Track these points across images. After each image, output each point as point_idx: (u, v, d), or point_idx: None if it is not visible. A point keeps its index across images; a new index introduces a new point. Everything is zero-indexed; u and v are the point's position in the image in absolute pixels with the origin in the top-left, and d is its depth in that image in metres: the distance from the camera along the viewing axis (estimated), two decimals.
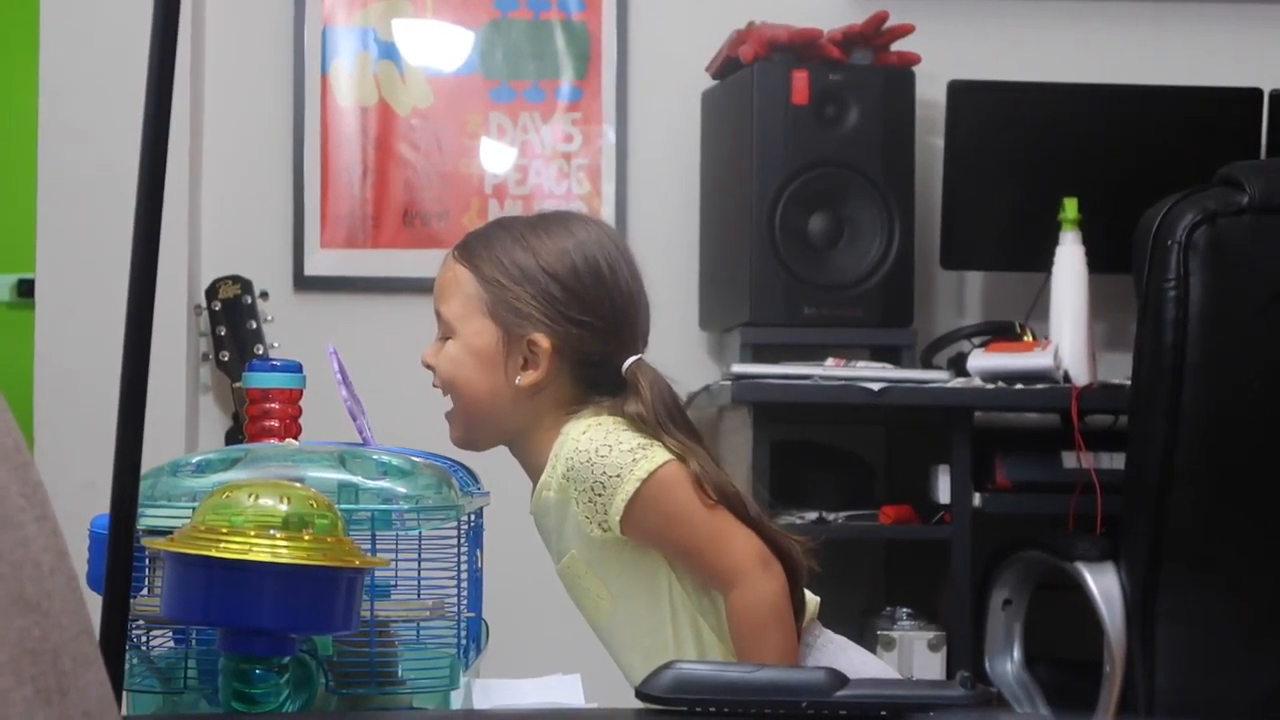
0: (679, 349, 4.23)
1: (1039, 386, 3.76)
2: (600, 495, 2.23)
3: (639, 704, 1.46)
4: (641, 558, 2.30)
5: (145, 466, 1.47)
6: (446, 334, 2.36)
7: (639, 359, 2.39)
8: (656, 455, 2.26)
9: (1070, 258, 3.91)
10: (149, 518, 1.58)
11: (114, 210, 3.84)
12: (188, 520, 1.54)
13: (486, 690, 1.93)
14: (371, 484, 1.70)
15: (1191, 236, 2.74)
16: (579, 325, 2.33)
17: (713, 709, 1.43)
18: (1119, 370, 3.68)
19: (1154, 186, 2.96)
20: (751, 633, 2.27)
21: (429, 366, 2.39)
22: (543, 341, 2.30)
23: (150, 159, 1.44)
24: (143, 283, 1.43)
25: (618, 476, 2.22)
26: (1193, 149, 3.86)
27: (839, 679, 1.45)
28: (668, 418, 2.31)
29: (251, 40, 4.23)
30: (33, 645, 0.94)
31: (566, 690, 2.00)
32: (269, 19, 4.22)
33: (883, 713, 1.42)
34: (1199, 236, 2.74)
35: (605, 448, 2.24)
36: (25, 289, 5.14)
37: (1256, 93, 4.08)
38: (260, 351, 3.96)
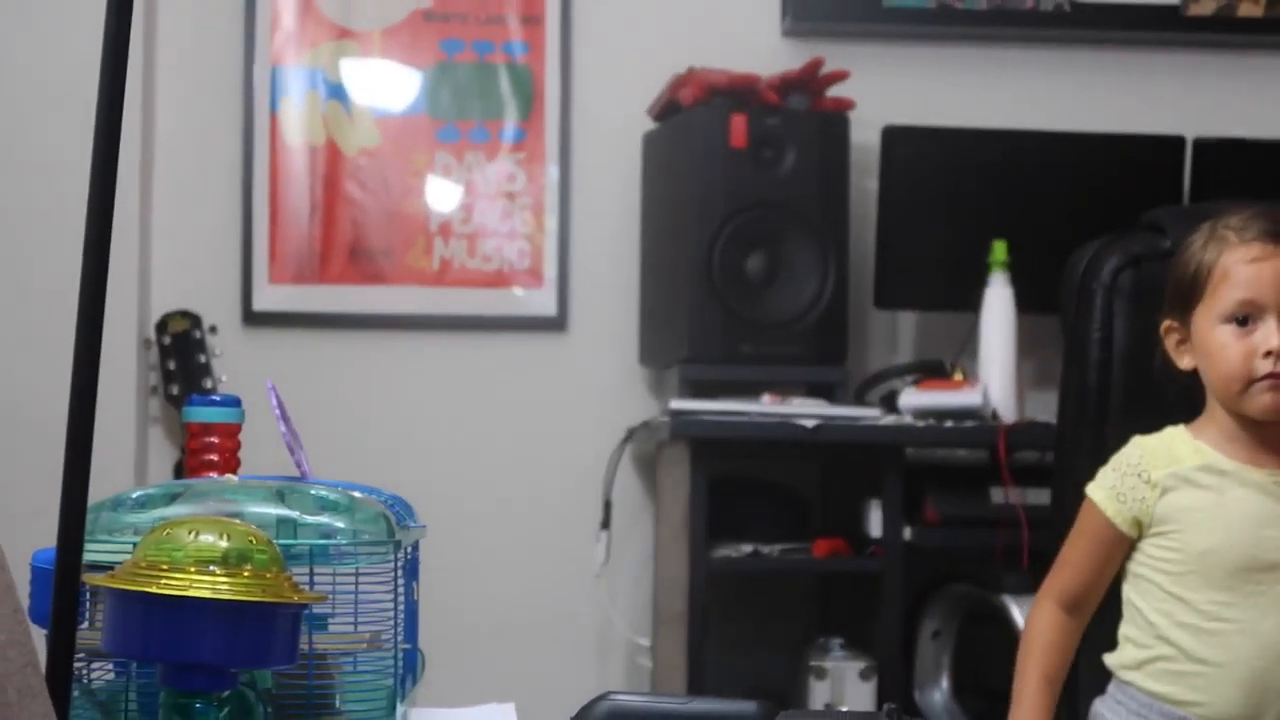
0: (619, 384, 4.23)
1: (968, 424, 3.78)
2: None
3: None
4: None
5: (93, 498, 1.45)
6: None
7: None
8: None
9: (999, 299, 3.93)
10: (91, 552, 1.56)
11: (64, 244, 3.81)
12: (129, 556, 1.53)
13: (422, 719, 1.92)
14: (310, 519, 1.69)
15: (1116, 280, 2.75)
16: None
17: None
18: (1046, 408, 3.69)
19: (1080, 230, 2.97)
20: None
21: None
22: None
23: (98, 194, 1.43)
24: (90, 316, 1.42)
25: None
26: (1118, 194, 3.89)
27: (770, 711, 1.44)
28: None
29: (202, 79, 4.22)
30: None
31: (501, 719, 2.00)
32: (219, 58, 4.21)
33: None
34: (1123, 280, 2.75)
35: None
36: None
37: (1180, 140, 4.11)
38: (209, 385, 3.94)
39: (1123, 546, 2.46)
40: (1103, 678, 2.51)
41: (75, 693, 1.61)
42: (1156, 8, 4.31)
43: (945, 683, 3.89)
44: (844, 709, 3.61)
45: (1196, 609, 2.40)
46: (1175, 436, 2.46)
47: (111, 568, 1.54)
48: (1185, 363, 2.45)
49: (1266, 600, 2.37)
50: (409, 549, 1.88)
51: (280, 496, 1.71)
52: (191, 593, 1.45)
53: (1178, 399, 2.57)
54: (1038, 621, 2.55)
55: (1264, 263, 2.38)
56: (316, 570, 1.66)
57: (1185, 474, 2.42)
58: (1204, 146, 4.12)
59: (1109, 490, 2.47)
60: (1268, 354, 2.35)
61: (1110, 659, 2.49)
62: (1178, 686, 2.41)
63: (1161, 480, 2.43)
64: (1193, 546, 2.40)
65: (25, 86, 4.07)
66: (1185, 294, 2.43)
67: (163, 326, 4.03)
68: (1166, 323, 2.47)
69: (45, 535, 1.58)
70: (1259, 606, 2.38)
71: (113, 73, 1.41)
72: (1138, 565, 2.45)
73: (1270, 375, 2.35)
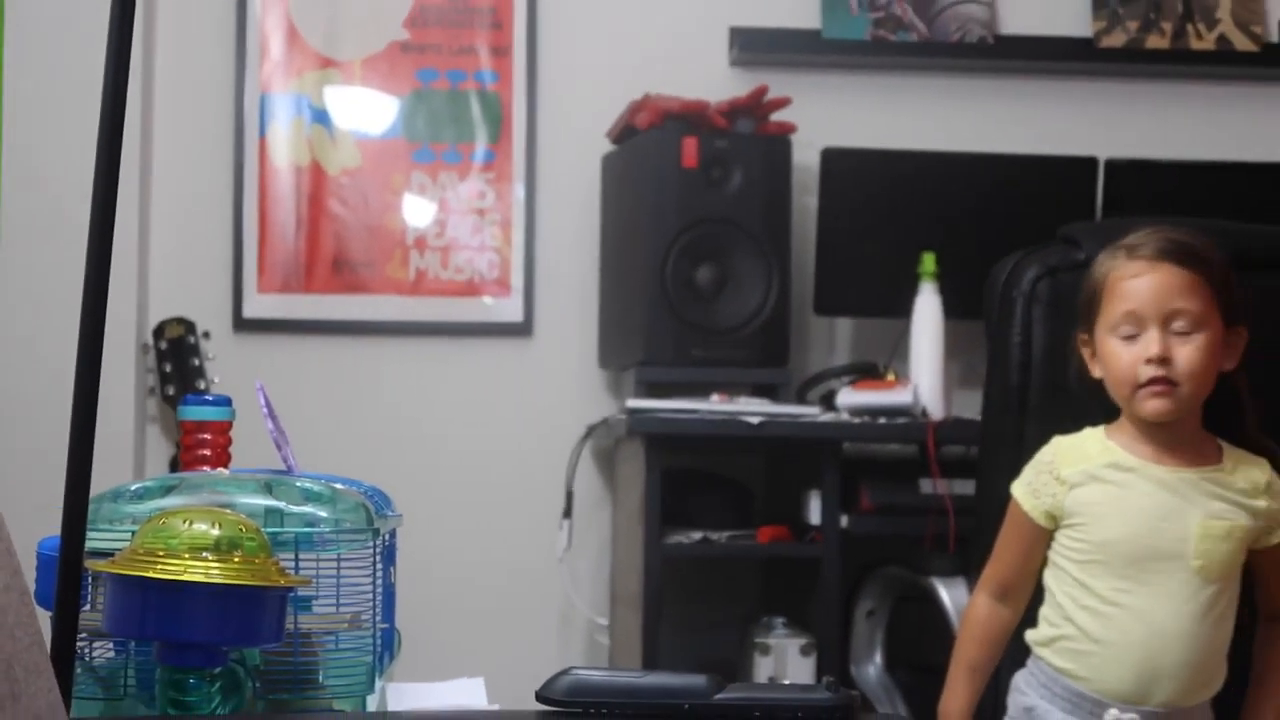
0: (580, 385, 4.23)
1: (900, 420, 3.79)
2: None
3: (539, 706, 1.45)
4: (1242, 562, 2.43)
5: (95, 491, 1.45)
6: (1186, 329, 2.37)
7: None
8: None
9: (928, 306, 3.94)
10: (92, 540, 1.55)
11: (69, 254, 3.80)
12: (128, 543, 1.52)
13: (399, 693, 1.91)
14: (295, 509, 1.69)
15: (1035, 289, 2.75)
16: (1244, 320, 2.43)
17: (604, 710, 1.42)
18: (971, 406, 3.70)
19: (1002, 243, 2.98)
20: None
21: (1160, 359, 2.37)
22: (1244, 332, 2.40)
23: (100, 210, 1.42)
24: (93, 322, 1.42)
25: None
26: (1036, 210, 3.90)
27: (718, 684, 1.45)
28: (1261, 406, 2.46)
29: (196, 105, 4.20)
30: None
31: (471, 693, 1.99)
32: (212, 86, 4.20)
33: (756, 714, 1.42)
34: (1041, 289, 2.75)
35: None
36: None
37: (1093, 161, 4.13)
38: (202, 386, 3.93)
39: (1042, 538, 2.47)
40: (1027, 652, 2.52)
41: (78, 670, 1.60)
42: (1072, 40, 4.34)
43: (879, 658, 3.89)
44: (786, 682, 3.61)
45: (1097, 594, 2.41)
46: (1089, 436, 2.47)
47: (112, 554, 1.54)
48: (1096, 372, 2.47)
49: (1161, 588, 2.38)
50: (387, 536, 1.88)
51: (268, 488, 1.71)
52: (186, 577, 1.45)
53: (1091, 399, 2.58)
54: (969, 612, 2.59)
55: (1143, 278, 2.40)
56: (301, 556, 1.66)
57: (1093, 470, 2.43)
58: (1115, 166, 4.14)
59: (1026, 486, 2.49)
60: (1149, 361, 2.37)
61: (1029, 635, 2.50)
62: (1078, 664, 2.42)
63: (1070, 477, 2.44)
64: (1096, 536, 2.41)
65: (35, 113, 4.05)
66: (1089, 309, 2.46)
67: (159, 332, 4.01)
68: (1080, 336, 2.49)
69: (50, 525, 1.57)
70: (1154, 594, 2.38)
71: (113, 99, 1.41)
72: (1054, 553, 2.47)
73: (1151, 381, 2.37)
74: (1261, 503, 2.40)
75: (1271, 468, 2.42)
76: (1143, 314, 2.38)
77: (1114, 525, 2.40)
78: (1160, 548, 2.38)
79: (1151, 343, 2.36)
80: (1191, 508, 2.39)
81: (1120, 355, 2.40)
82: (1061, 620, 2.45)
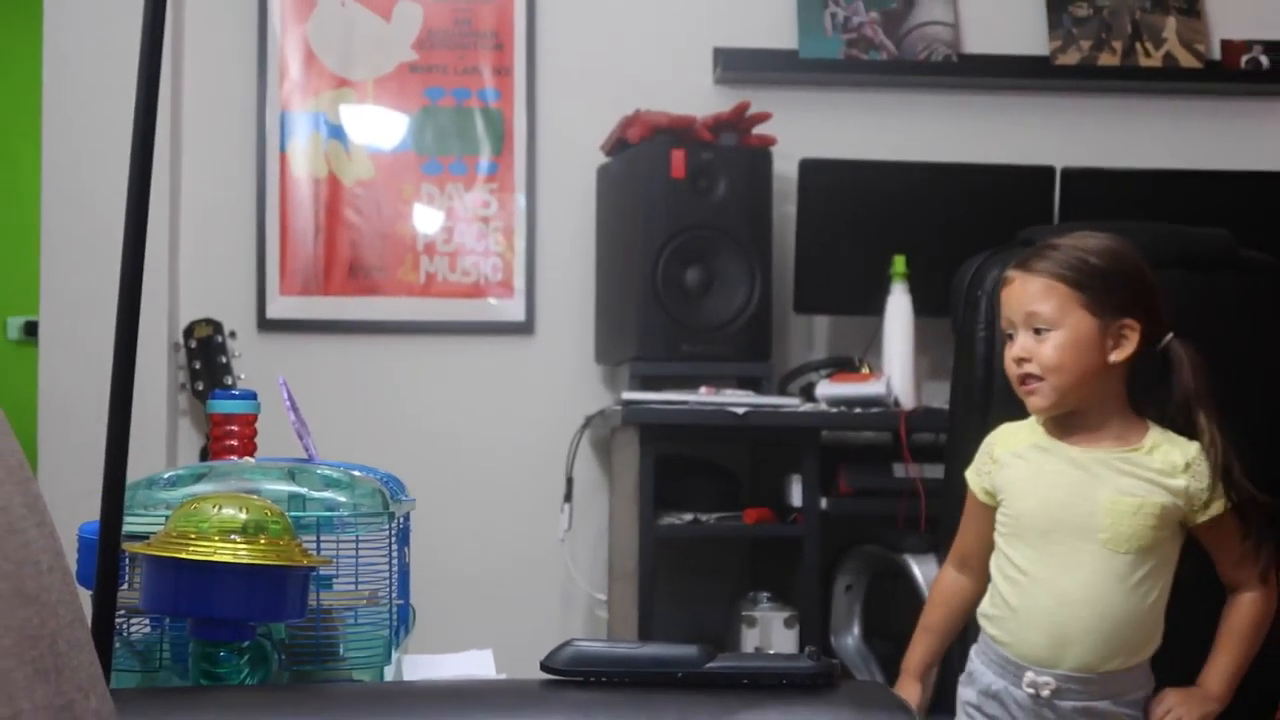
0: (578, 379, 4.23)
1: (874, 410, 3.79)
2: (1209, 492, 2.38)
3: (543, 675, 1.45)
4: (1172, 545, 2.42)
5: (130, 478, 1.45)
6: (1042, 328, 2.39)
7: (1174, 336, 2.44)
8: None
9: (899, 304, 3.94)
10: (129, 524, 1.55)
11: (106, 262, 3.79)
12: (162, 527, 1.52)
13: (414, 664, 1.91)
14: (317, 494, 1.68)
15: (997, 288, 2.75)
16: (1149, 310, 2.41)
17: (604, 679, 1.42)
18: (939, 396, 3.71)
19: (967, 246, 2.98)
20: (1254, 631, 2.47)
21: (1022, 360, 2.41)
22: (1133, 324, 2.38)
23: (134, 220, 1.42)
24: (128, 324, 1.41)
25: (1223, 489, 2.38)
26: (998, 216, 3.89)
27: (709, 654, 1.44)
28: (1199, 402, 2.41)
29: (222, 122, 4.20)
30: (32, 632, 0.93)
31: (481, 663, 1.99)
32: (237, 104, 4.20)
33: (744, 681, 1.42)
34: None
35: (1213, 469, 2.38)
36: (30, 329, 5.08)
37: (1050, 170, 4.13)
38: (229, 382, 3.92)
39: (988, 513, 2.49)
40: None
41: (116, 644, 1.60)
42: (1030, 58, 4.33)
43: (857, 629, 3.89)
44: (771, 651, 3.61)
45: (1015, 564, 2.42)
46: (1026, 423, 2.50)
47: (147, 537, 1.53)
48: None
49: (1068, 559, 2.38)
50: (401, 519, 1.87)
51: (291, 476, 1.71)
52: (216, 558, 1.45)
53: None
54: (934, 581, 2.67)
55: (1009, 287, 2.46)
56: (323, 538, 1.65)
57: (1019, 451, 2.46)
58: (1070, 175, 4.13)
59: (972, 467, 2.53)
60: (1015, 360, 2.42)
61: (978, 608, 2.52)
62: (1000, 629, 2.44)
63: (1001, 456, 2.48)
64: (1013, 510, 2.43)
65: (74, 132, 4.04)
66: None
67: (189, 332, 4.01)
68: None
69: (90, 510, 1.57)
70: (1061, 564, 2.39)
71: (145, 115, 1.40)
72: (995, 529, 2.49)
73: (1022, 379, 2.42)
74: (1180, 481, 2.38)
75: (1203, 448, 2.40)
76: (1012, 319, 2.44)
77: (1028, 499, 2.43)
78: (1068, 521, 2.39)
79: (1015, 345, 2.43)
80: (1100, 484, 2.39)
81: (1006, 357, 2.46)
82: (993, 590, 2.47)
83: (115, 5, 4.00)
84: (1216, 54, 4.39)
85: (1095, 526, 2.38)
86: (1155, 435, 2.43)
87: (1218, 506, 2.39)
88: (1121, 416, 2.44)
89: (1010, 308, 2.45)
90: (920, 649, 2.62)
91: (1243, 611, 2.46)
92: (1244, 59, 4.36)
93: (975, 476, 2.51)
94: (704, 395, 3.79)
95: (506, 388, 4.25)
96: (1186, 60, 4.35)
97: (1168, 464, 2.40)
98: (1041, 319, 2.40)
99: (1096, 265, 2.41)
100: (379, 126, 4.24)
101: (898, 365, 3.90)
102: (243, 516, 1.49)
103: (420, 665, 1.91)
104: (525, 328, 4.25)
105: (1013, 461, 2.46)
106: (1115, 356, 2.40)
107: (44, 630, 0.93)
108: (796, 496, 3.77)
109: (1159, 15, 4.37)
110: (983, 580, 2.53)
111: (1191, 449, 2.41)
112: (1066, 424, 2.45)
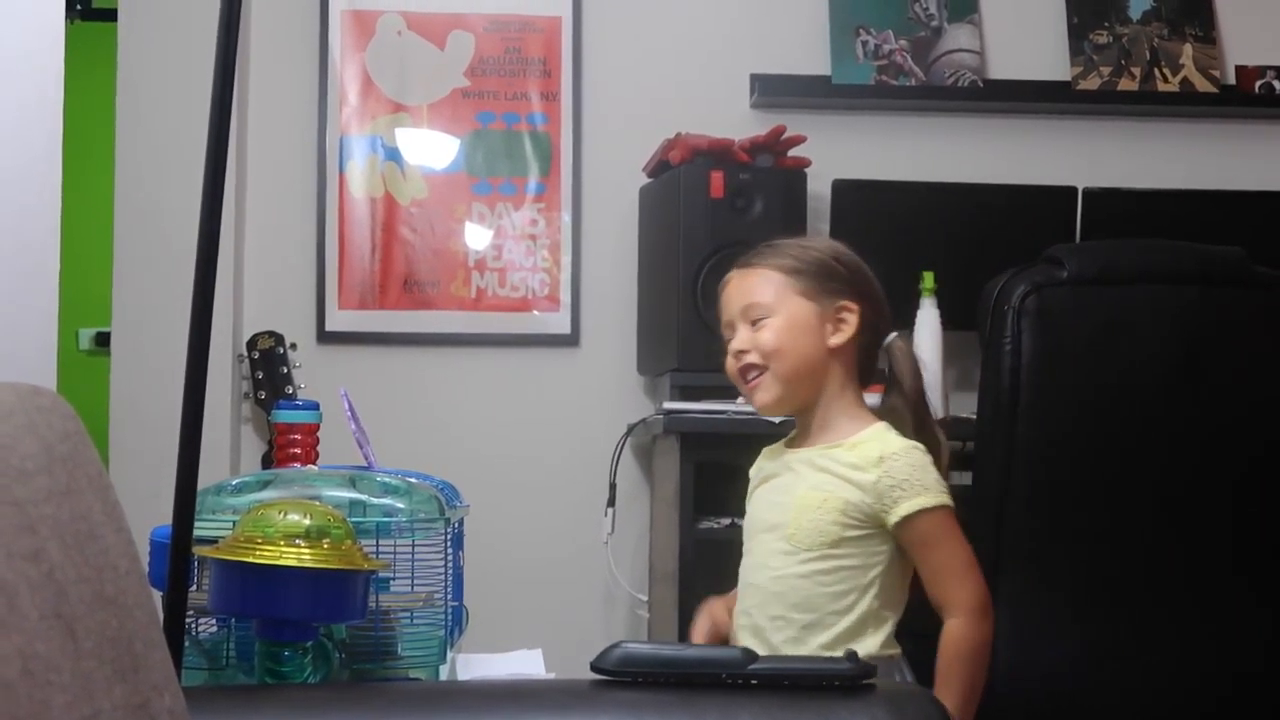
0: (621, 389, 4.22)
1: None
2: (903, 489, 2.20)
3: (593, 676, 1.44)
4: (873, 543, 2.24)
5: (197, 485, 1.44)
6: (758, 318, 2.31)
7: (899, 334, 2.37)
8: (951, 499, 2.23)
9: (928, 318, 3.91)
10: (198, 529, 1.55)
11: (176, 275, 3.81)
12: (229, 531, 1.52)
13: (467, 663, 1.91)
14: (376, 501, 1.68)
15: (1023, 303, 2.74)
16: (867, 298, 2.33)
17: (652, 679, 1.41)
18: (966, 406, 3.68)
19: (993, 263, 2.96)
20: (955, 662, 2.21)
21: (743, 351, 2.32)
22: (852, 305, 2.29)
23: (206, 237, 1.42)
24: (200, 335, 1.41)
25: (925, 488, 2.20)
26: (1023, 234, 3.87)
27: (752, 656, 1.43)
28: (919, 399, 2.32)
29: (285, 146, 4.21)
30: (112, 634, 0.93)
31: (531, 663, 1.99)
32: (298, 129, 4.21)
33: (785, 682, 1.41)
34: (1029, 303, 2.74)
35: (924, 467, 2.22)
36: (103, 340, 5.10)
37: (1072, 190, 4.11)
38: (290, 392, 3.93)
39: None
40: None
41: (185, 644, 1.60)
42: (1052, 83, 4.31)
43: None
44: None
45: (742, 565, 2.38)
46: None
47: (215, 541, 1.53)
48: None
49: (761, 556, 2.32)
50: (456, 524, 1.87)
51: (352, 482, 1.71)
52: (281, 562, 1.44)
53: (1072, 398, 2.56)
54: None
55: (726, 289, 2.40)
56: (381, 542, 1.65)
57: (757, 466, 2.42)
58: (1091, 195, 4.11)
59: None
60: (735, 354, 2.35)
61: None
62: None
63: (752, 478, 2.43)
64: (745, 522, 2.40)
65: (144, 151, 4.06)
66: None
67: (252, 344, 4.01)
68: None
69: (156, 513, 1.57)
70: (757, 560, 2.33)
71: (216, 140, 1.40)
72: None
73: (741, 373, 2.35)
74: (869, 475, 2.22)
75: (916, 447, 2.26)
76: (731, 319, 2.36)
77: (750, 507, 2.39)
78: (769, 519, 2.31)
79: (735, 339, 2.34)
80: (799, 482, 2.29)
81: (727, 358, 2.37)
82: None
83: (186, 30, 4.02)
84: (1231, 79, 4.36)
85: (787, 522, 2.27)
86: (870, 431, 2.30)
87: (908, 507, 2.20)
88: (849, 416, 2.33)
89: (728, 307, 2.36)
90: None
91: (944, 643, 2.24)
92: (1258, 84, 4.33)
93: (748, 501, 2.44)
94: (741, 405, 3.77)
95: (552, 398, 4.24)
96: (1202, 85, 4.32)
97: (862, 458, 2.25)
98: (759, 308, 2.31)
99: (813, 254, 2.33)
100: (433, 149, 4.24)
101: (926, 376, 3.86)
102: (307, 522, 1.49)
103: (473, 664, 1.90)
104: (570, 340, 4.25)
105: (753, 479, 2.40)
106: (835, 340, 2.30)
107: (122, 632, 0.93)
108: None
109: (1176, 42, 4.34)
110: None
111: (895, 444, 2.26)
112: (801, 429, 2.36)
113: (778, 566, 2.28)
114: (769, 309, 2.31)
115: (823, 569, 2.24)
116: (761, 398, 2.32)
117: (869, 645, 2.23)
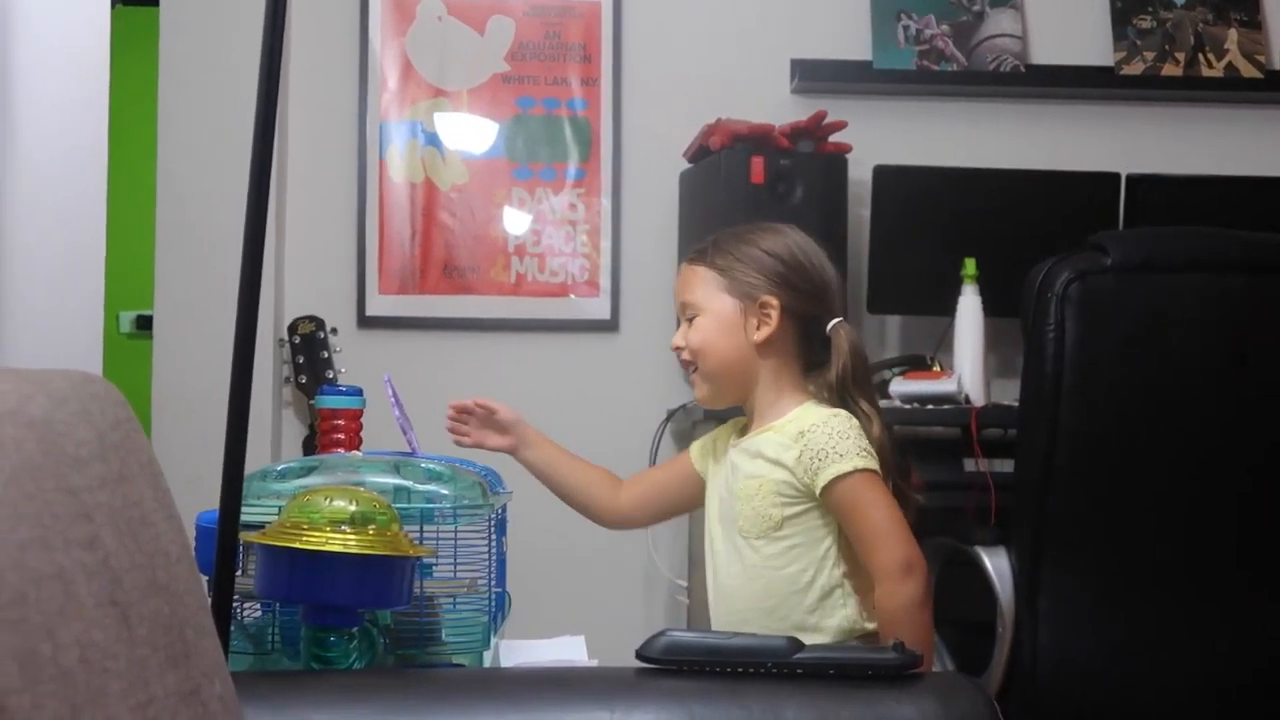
0: (661, 374, 4.22)
1: (946, 407, 3.75)
2: (821, 459, 2.21)
3: (638, 663, 1.44)
4: (813, 517, 2.26)
5: None
6: (692, 315, 2.36)
7: (840, 321, 2.37)
8: (872, 462, 2.23)
9: (970, 305, 3.90)
10: (244, 514, 1.56)
11: (218, 259, 3.82)
12: (275, 517, 1.52)
13: (510, 649, 1.91)
14: (420, 487, 1.68)
15: (1067, 290, 2.72)
16: (796, 289, 2.33)
17: (697, 668, 1.41)
18: (1009, 393, 3.67)
19: (1036, 250, 2.95)
20: (887, 627, 2.22)
21: (678, 348, 2.37)
22: (772, 300, 2.30)
23: (252, 224, 1.42)
24: (247, 322, 1.41)
25: (841, 455, 2.20)
26: (1066, 220, 3.85)
27: (797, 645, 1.43)
28: (853, 382, 2.29)
29: (325, 131, 4.21)
30: (164, 621, 0.93)
31: (574, 649, 1.99)
32: (339, 115, 4.21)
33: (830, 671, 1.40)
34: (1072, 290, 2.73)
35: (843, 434, 2.22)
36: (145, 323, 5.12)
37: (1115, 176, 4.08)
38: (331, 377, 3.94)
39: (684, 466, 2.53)
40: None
41: (231, 629, 1.60)
42: (1095, 68, 4.28)
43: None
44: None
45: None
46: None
47: (261, 527, 1.54)
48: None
49: (719, 554, 2.35)
50: (499, 510, 1.87)
51: (396, 469, 1.71)
52: (327, 547, 1.45)
53: (1115, 384, 2.54)
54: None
55: (677, 279, 2.44)
56: (425, 528, 1.65)
57: (719, 437, 2.47)
58: (1135, 181, 4.08)
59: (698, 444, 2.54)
60: (675, 350, 2.39)
61: None
62: None
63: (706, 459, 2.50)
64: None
65: (187, 136, 4.07)
66: None
67: (293, 328, 4.03)
68: None
69: (200, 497, 1.57)
70: (716, 552, 2.36)
71: (263, 127, 1.40)
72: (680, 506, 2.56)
73: (683, 367, 2.40)
74: (794, 451, 2.24)
75: (848, 418, 2.26)
76: (678, 314, 2.42)
77: (706, 507, 2.41)
78: (720, 514, 2.35)
79: (675, 335, 2.39)
80: (736, 474, 2.32)
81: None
82: None
83: (228, 14, 4.03)
84: (1277, 65, 4.33)
85: (735, 515, 2.30)
86: (796, 411, 2.31)
87: (826, 475, 2.21)
88: (784, 400, 2.34)
89: (676, 302, 2.42)
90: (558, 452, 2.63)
91: (877, 611, 2.25)
92: None
93: (698, 447, 2.47)
94: None
95: (592, 383, 4.24)
96: (1247, 70, 4.29)
97: (787, 436, 2.27)
98: (691, 306, 2.36)
99: (742, 250, 2.35)
100: (472, 134, 4.24)
101: (968, 363, 3.86)
102: (352, 508, 1.49)
103: (517, 650, 1.90)
104: (610, 325, 4.25)
105: (707, 477, 2.43)
106: (758, 336, 2.32)
107: (174, 619, 0.94)
108: None
109: (1220, 27, 4.31)
110: (624, 505, 2.54)
111: (815, 416, 2.27)
112: (748, 418, 2.38)
113: (735, 561, 2.32)
114: (697, 307, 2.37)
115: (774, 552, 2.28)
116: (697, 393, 2.40)
117: (842, 617, 2.27)
